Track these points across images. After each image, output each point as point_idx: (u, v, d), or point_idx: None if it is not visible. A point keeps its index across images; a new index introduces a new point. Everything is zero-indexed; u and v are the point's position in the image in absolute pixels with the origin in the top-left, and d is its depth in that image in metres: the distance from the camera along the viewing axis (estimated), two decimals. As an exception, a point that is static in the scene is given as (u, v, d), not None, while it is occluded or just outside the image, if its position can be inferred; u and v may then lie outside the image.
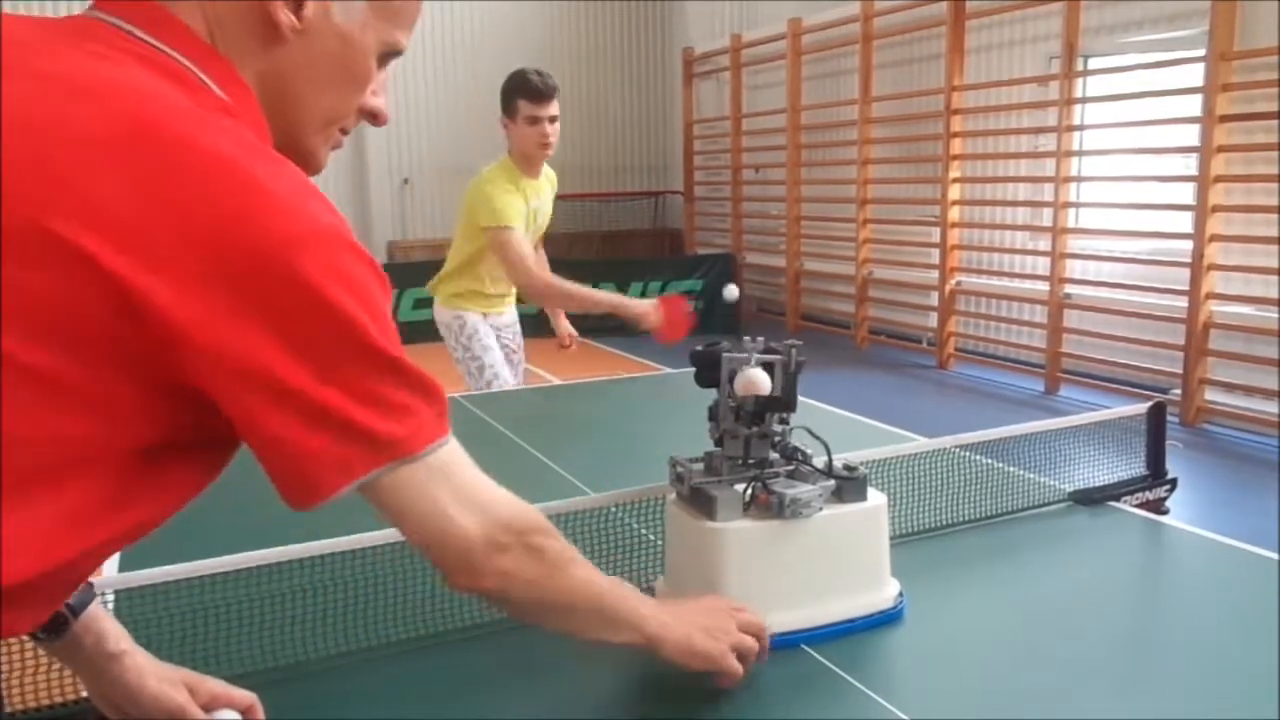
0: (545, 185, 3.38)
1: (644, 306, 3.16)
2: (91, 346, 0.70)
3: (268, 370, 0.74)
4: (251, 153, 0.75)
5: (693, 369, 1.29)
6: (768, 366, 1.24)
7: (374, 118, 0.95)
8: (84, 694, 1.13)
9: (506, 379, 3.40)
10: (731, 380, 1.24)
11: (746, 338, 1.27)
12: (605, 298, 3.34)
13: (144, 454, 0.76)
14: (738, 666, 1.10)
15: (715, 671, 1.10)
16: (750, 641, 1.12)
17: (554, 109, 3.17)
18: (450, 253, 3.42)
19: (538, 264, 3.34)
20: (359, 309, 0.76)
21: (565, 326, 3.69)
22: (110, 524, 0.77)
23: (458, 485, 0.87)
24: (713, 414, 1.28)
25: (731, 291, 5.10)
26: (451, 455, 0.86)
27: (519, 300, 3.56)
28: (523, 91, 3.15)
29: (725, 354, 1.25)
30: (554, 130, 3.19)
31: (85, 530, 0.75)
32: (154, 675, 0.98)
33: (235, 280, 0.71)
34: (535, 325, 3.87)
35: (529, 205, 3.26)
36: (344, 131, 0.94)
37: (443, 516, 0.86)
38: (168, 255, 0.69)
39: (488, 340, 3.39)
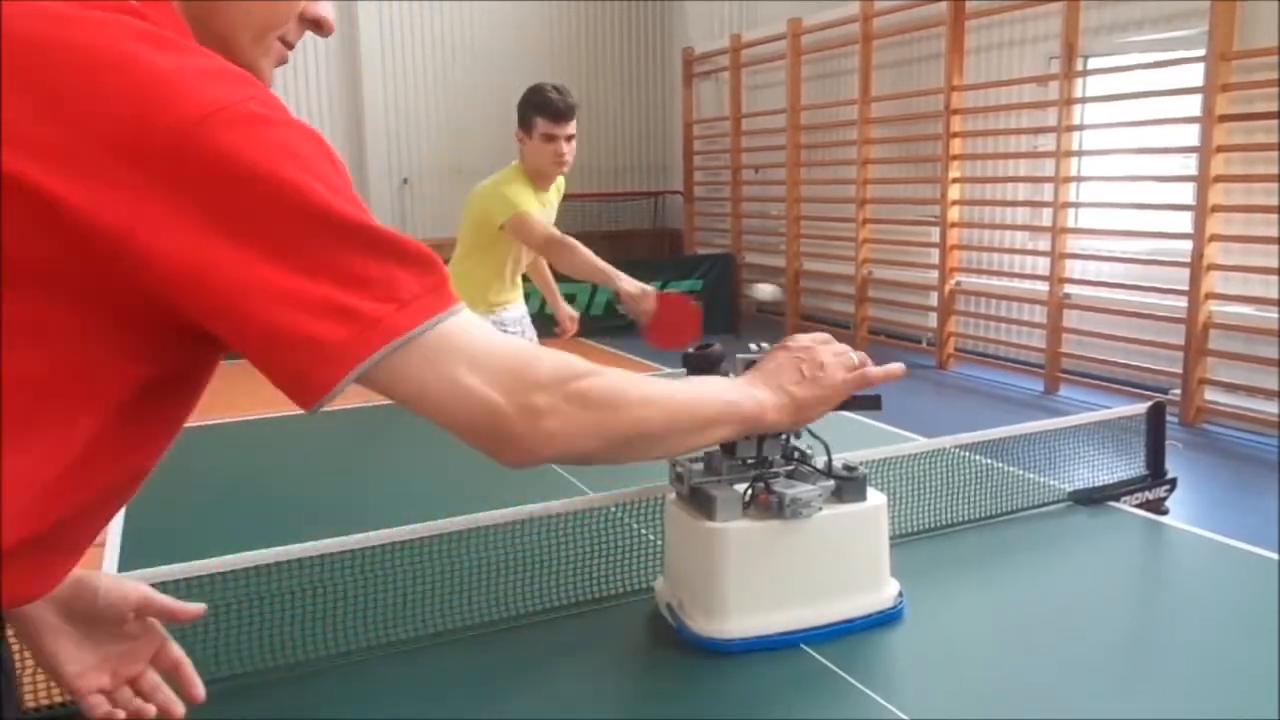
0: (554, 194, 3.38)
1: (641, 288, 2.96)
2: (47, 280, 0.68)
3: (219, 265, 0.68)
4: (154, 43, 0.69)
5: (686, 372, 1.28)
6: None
7: (317, 26, 0.87)
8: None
9: None
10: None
11: (752, 344, 1.27)
12: (611, 270, 3.08)
13: (131, 392, 0.74)
14: (866, 376, 1.13)
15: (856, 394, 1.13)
16: (850, 358, 1.13)
17: (572, 128, 3.12)
18: (453, 259, 3.39)
19: (529, 255, 3.33)
20: (303, 175, 0.70)
21: (565, 310, 3.63)
22: (105, 471, 0.75)
23: (473, 355, 0.78)
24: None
25: (767, 291, 4.81)
26: (460, 325, 0.78)
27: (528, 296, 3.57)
28: (541, 109, 3.10)
29: (740, 354, 1.25)
30: (570, 149, 3.14)
31: (80, 479, 0.73)
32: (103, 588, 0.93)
33: (157, 174, 0.66)
34: (537, 326, 3.86)
35: (540, 213, 3.23)
36: (287, 45, 0.87)
37: (463, 392, 0.78)
38: (86, 163, 0.66)
39: (507, 328, 3.38)
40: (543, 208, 3.24)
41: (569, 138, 3.12)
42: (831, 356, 1.12)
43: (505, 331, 3.47)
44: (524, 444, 0.82)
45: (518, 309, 3.54)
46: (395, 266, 0.74)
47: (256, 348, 0.71)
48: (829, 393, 1.11)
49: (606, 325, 7.49)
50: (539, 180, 3.22)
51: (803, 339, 1.15)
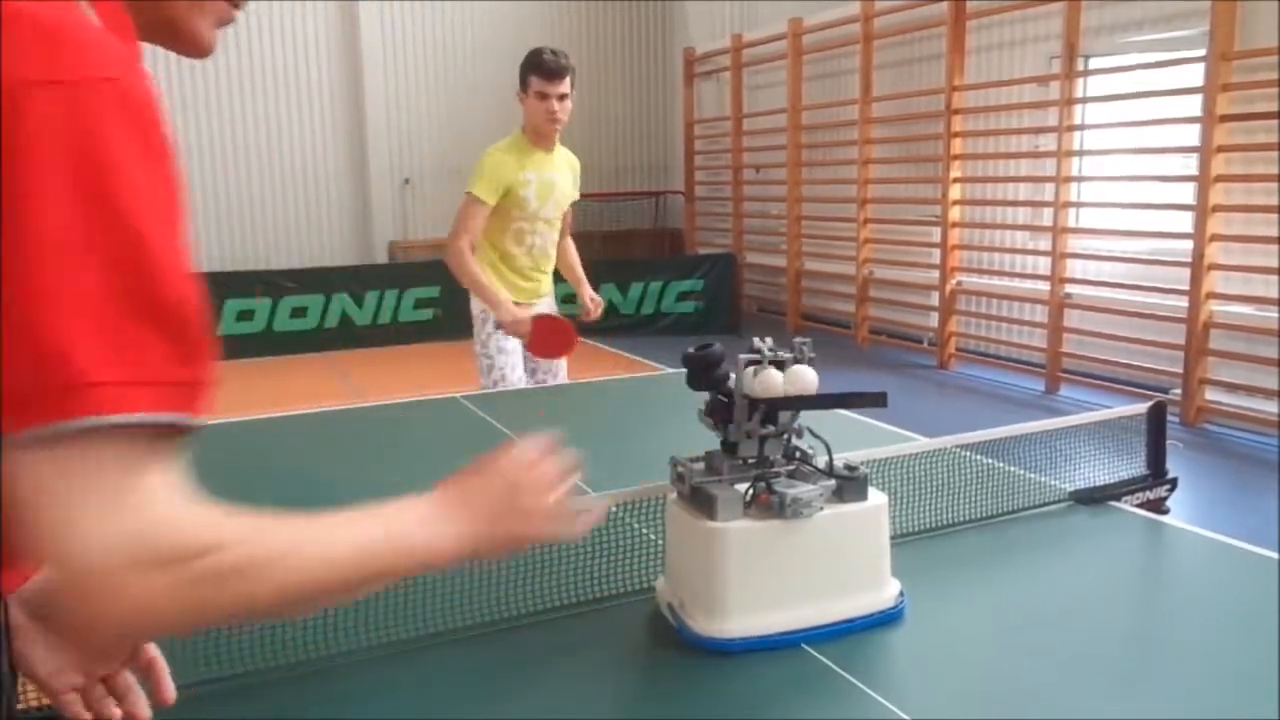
0: (563, 164, 3.50)
1: (515, 316, 3.32)
2: None
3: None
4: None
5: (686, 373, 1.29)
6: (778, 365, 1.24)
7: None
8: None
9: (512, 384, 3.42)
10: (756, 376, 1.23)
11: (756, 338, 1.27)
12: (492, 295, 3.35)
13: None
14: (575, 531, 0.99)
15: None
16: (563, 509, 0.96)
17: (564, 87, 3.31)
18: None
19: (554, 233, 3.50)
20: (112, 184, 0.62)
21: (587, 293, 3.71)
22: None
23: (118, 482, 0.63)
24: (711, 414, 1.28)
25: None
26: (139, 446, 0.63)
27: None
28: (535, 68, 3.30)
29: (742, 355, 1.25)
30: (563, 107, 3.33)
31: None
32: None
33: None
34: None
35: (539, 175, 3.37)
36: (234, 4, 0.81)
37: (64, 520, 0.61)
38: None
39: (505, 344, 3.45)
40: (535, 170, 3.37)
41: (561, 96, 3.32)
42: (547, 490, 0.96)
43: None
44: (90, 615, 0.64)
45: (544, 305, 3.59)
46: (157, 337, 0.63)
47: None
48: (527, 535, 0.94)
49: (605, 326, 7.48)
50: (537, 139, 3.40)
51: (521, 458, 0.96)
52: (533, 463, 0.96)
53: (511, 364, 3.45)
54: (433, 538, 0.85)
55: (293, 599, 0.76)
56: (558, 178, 3.46)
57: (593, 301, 3.68)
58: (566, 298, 3.77)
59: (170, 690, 0.95)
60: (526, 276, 3.50)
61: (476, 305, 3.50)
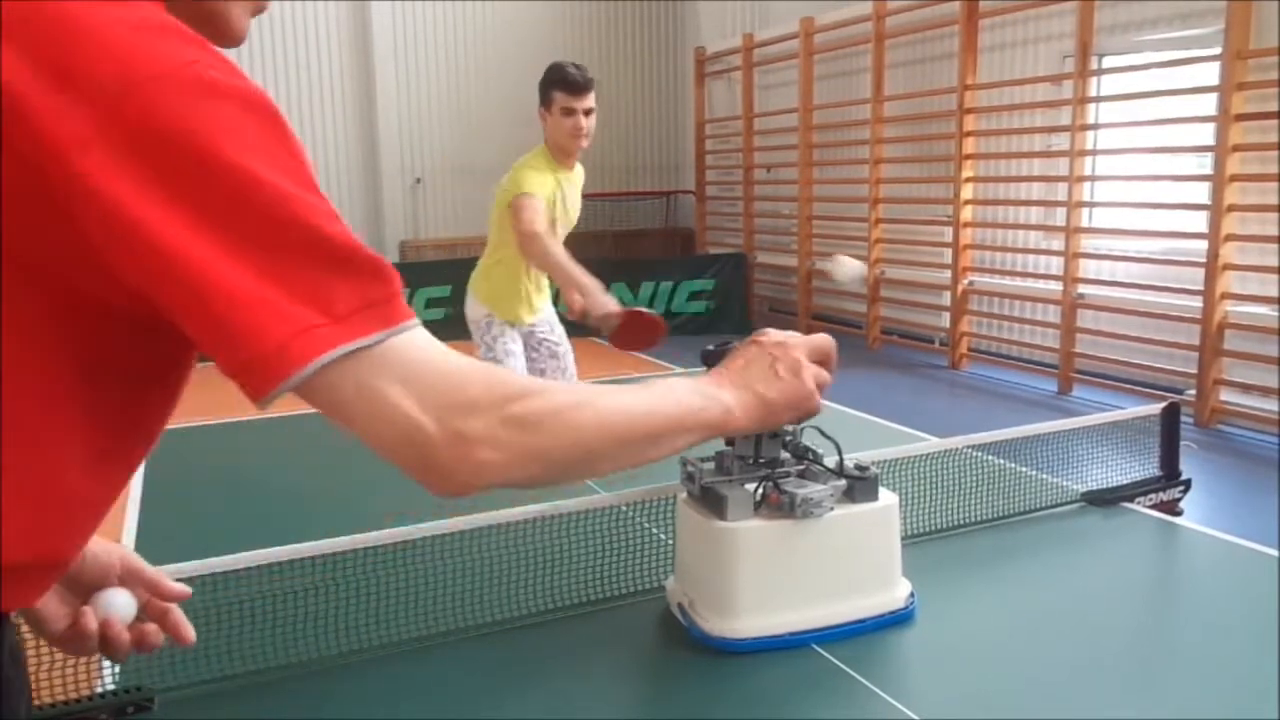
0: (578, 180, 3.47)
1: (609, 308, 3.00)
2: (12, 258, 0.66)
3: (157, 241, 0.64)
4: None
5: (704, 369, 1.29)
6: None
7: None
8: (97, 690, 1.14)
9: None
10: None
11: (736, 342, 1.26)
12: (584, 283, 3.07)
13: (95, 386, 0.71)
14: (819, 405, 1.04)
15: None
16: (825, 374, 1.04)
17: (589, 102, 3.25)
18: (485, 250, 3.48)
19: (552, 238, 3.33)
20: (254, 161, 0.65)
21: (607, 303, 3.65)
22: (90, 478, 0.74)
23: (408, 374, 0.71)
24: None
25: (847, 269, 3.86)
26: (404, 343, 0.71)
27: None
28: (559, 84, 3.24)
29: (707, 347, 1.25)
30: (589, 123, 3.27)
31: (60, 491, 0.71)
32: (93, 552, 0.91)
33: (107, 128, 0.63)
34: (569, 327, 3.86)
35: (561, 191, 3.33)
36: None
37: (389, 414, 0.70)
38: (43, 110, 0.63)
39: (511, 346, 3.44)
40: (560, 189, 3.32)
41: (587, 111, 3.24)
42: (806, 356, 1.04)
43: (534, 333, 3.50)
44: (452, 475, 0.74)
45: (545, 311, 3.57)
46: (337, 276, 0.68)
47: (196, 336, 0.68)
48: (800, 397, 1.02)
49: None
50: (560, 156, 3.33)
51: (775, 334, 1.06)
52: (794, 337, 1.05)
53: (519, 368, 3.45)
54: (709, 399, 0.94)
55: (613, 437, 0.84)
56: (573, 195, 3.43)
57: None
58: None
59: (190, 630, 0.95)
60: (539, 289, 3.48)
61: (477, 310, 3.45)
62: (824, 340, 1.08)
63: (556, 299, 3.57)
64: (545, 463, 0.79)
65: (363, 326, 0.69)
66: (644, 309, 3.12)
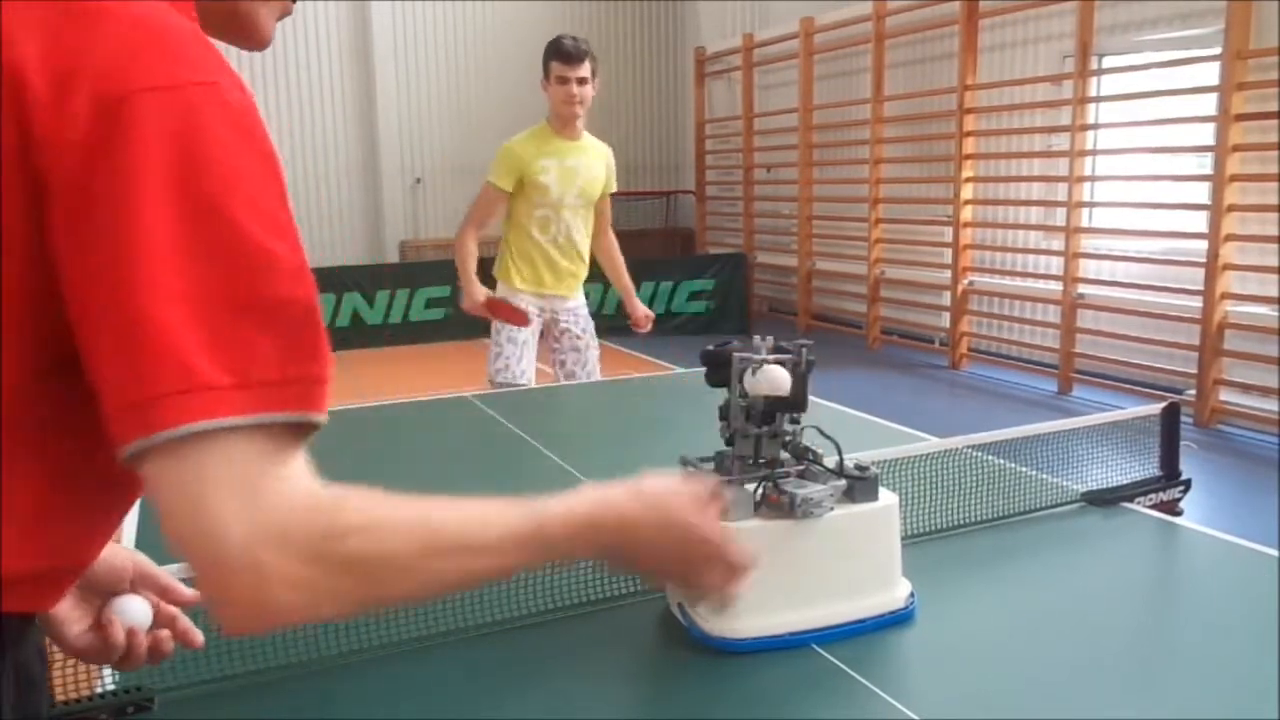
0: (592, 153, 3.57)
1: (474, 300, 3.47)
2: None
3: (117, 241, 0.61)
4: None
5: (703, 369, 1.29)
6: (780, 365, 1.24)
7: None
8: (96, 690, 1.14)
9: (516, 377, 3.43)
10: (742, 379, 1.23)
11: (756, 336, 1.27)
12: (465, 275, 3.50)
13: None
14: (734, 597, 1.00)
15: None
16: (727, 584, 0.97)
17: (582, 71, 3.40)
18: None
19: (586, 224, 3.61)
20: (228, 194, 0.63)
21: (639, 308, 3.78)
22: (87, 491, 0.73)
23: (248, 478, 0.63)
24: (723, 413, 1.28)
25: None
26: (279, 440, 0.64)
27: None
28: (554, 54, 3.43)
29: (736, 353, 1.25)
30: (582, 91, 3.41)
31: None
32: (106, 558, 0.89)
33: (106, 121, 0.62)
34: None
35: (559, 162, 3.44)
36: None
37: (200, 513, 0.62)
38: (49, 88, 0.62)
39: (515, 334, 3.48)
40: (561, 157, 3.44)
41: (580, 80, 3.41)
42: (724, 564, 0.96)
43: (558, 322, 3.57)
44: (241, 610, 0.65)
45: (575, 300, 3.62)
46: (267, 337, 0.63)
47: (98, 332, 0.63)
48: (689, 582, 0.97)
49: (618, 324, 7.48)
50: (561, 126, 3.48)
51: (694, 505, 0.94)
52: (705, 513, 0.93)
53: (518, 355, 3.47)
54: (578, 552, 0.88)
55: (435, 591, 0.78)
56: (582, 165, 3.50)
57: (645, 317, 3.74)
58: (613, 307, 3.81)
59: (199, 635, 0.96)
60: (554, 266, 3.52)
61: (499, 289, 3.55)
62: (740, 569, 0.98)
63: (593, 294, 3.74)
64: (355, 605, 0.74)
65: (266, 402, 0.63)
66: (505, 300, 3.51)
